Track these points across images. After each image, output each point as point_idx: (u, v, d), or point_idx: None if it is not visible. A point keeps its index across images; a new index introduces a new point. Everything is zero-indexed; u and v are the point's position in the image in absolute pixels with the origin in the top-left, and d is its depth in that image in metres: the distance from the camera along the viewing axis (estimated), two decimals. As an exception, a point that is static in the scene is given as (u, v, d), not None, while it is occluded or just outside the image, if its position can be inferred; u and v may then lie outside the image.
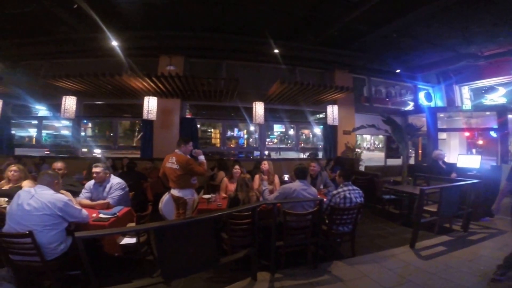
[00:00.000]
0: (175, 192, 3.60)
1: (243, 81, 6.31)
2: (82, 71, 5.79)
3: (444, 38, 6.68)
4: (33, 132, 9.59)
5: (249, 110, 6.98)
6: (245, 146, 20.19)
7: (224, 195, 4.23)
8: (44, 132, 9.08)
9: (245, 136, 23.08)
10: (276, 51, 6.84)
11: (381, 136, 13.29)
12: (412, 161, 9.33)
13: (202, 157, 3.70)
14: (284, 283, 2.86)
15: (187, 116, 7.99)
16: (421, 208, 3.94)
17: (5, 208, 2.78)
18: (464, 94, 9.74)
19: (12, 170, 3.36)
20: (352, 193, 3.45)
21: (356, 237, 3.57)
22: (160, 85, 6.16)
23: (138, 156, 7.46)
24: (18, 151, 7.62)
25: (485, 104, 9.02)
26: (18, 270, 2.23)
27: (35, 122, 8.48)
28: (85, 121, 10.37)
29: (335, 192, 3.50)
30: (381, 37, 6.59)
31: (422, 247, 3.78)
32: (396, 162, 8.81)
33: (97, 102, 7.83)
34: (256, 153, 9.47)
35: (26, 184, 3.19)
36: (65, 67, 7.35)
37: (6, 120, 7.28)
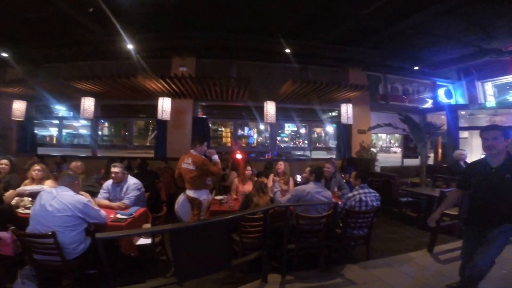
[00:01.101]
0: (190, 193, 3.64)
1: (254, 80, 6.31)
2: (99, 72, 5.98)
3: (464, 33, 6.36)
4: (54, 131, 9.97)
5: (260, 109, 6.96)
6: (255, 145, 20.20)
7: (235, 196, 4.22)
8: (64, 132, 9.44)
9: (255, 135, 23.05)
10: (288, 50, 6.76)
11: (397, 135, 12.90)
12: (431, 161, 8.98)
13: (215, 157, 3.71)
14: (295, 285, 2.83)
15: (199, 116, 8.08)
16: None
17: (29, 207, 2.93)
18: (488, 91, 9.26)
19: (36, 169, 3.50)
20: (368, 196, 3.34)
21: (371, 240, 3.48)
22: (173, 86, 6.25)
23: (152, 155, 7.60)
24: (40, 151, 7.93)
25: (511, 101, 8.55)
26: (39, 269, 2.32)
27: (56, 121, 8.85)
28: (102, 120, 10.70)
29: (350, 194, 3.40)
30: (396, 33, 6.36)
31: (441, 251, 3.63)
32: (413, 162, 8.53)
33: (114, 103, 8.06)
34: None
35: (48, 183, 3.32)
36: (83, 69, 7.60)
37: (30, 120, 7.61)
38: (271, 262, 3.07)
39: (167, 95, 6.60)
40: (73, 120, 9.44)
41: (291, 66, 7.67)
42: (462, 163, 5.29)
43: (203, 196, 3.65)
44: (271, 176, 4.58)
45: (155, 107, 6.44)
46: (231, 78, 5.99)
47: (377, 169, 7.76)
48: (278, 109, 6.86)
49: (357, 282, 2.89)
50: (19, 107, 6.70)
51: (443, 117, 8.39)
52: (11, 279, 2.39)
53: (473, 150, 8.88)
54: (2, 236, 2.43)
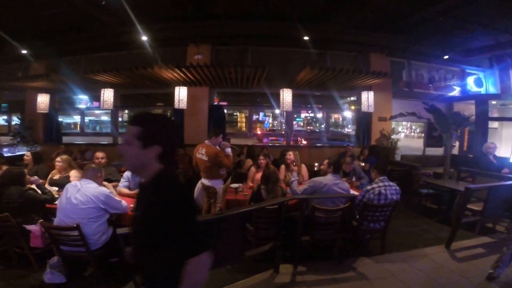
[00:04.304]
0: (205, 181, 3.74)
1: (270, 66, 6.10)
2: (118, 64, 6.07)
3: (499, 20, 5.80)
4: (77, 118, 10.39)
5: (276, 96, 6.84)
6: (270, 126, 20.17)
7: (251, 184, 4.20)
8: (86, 118, 9.82)
9: (270, 119, 22.89)
10: (306, 37, 6.46)
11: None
12: (455, 150, 8.51)
13: (228, 150, 3.74)
14: (307, 277, 2.85)
15: (214, 102, 8.06)
16: (463, 207, 3.63)
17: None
18: (523, 80, 8.45)
19: (57, 161, 3.74)
20: (388, 189, 3.25)
21: (387, 233, 3.40)
22: (189, 74, 6.24)
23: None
24: (65, 139, 8.31)
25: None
26: (66, 259, 2.47)
27: (78, 112, 9.17)
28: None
29: (369, 187, 3.32)
30: (425, 19, 5.87)
31: (458, 247, 3.50)
32: (436, 151, 8.12)
33: (132, 92, 8.19)
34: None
35: (73, 174, 3.50)
36: (102, 61, 7.69)
37: (54, 112, 7.94)
38: (284, 252, 3.07)
39: (183, 84, 6.62)
40: (95, 109, 9.75)
41: (309, 51, 7.33)
42: (491, 157, 4.96)
43: (218, 184, 3.72)
44: (282, 167, 4.51)
45: (172, 94, 6.51)
46: (247, 66, 5.86)
47: (398, 158, 7.47)
48: (294, 95, 6.68)
49: (369, 277, 2.86)
50: (43, 100, 7.05)
51: (471, 106, 7.84)
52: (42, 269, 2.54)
53: (502, 142, 8.31)
54: (31, 229, 2.59)
